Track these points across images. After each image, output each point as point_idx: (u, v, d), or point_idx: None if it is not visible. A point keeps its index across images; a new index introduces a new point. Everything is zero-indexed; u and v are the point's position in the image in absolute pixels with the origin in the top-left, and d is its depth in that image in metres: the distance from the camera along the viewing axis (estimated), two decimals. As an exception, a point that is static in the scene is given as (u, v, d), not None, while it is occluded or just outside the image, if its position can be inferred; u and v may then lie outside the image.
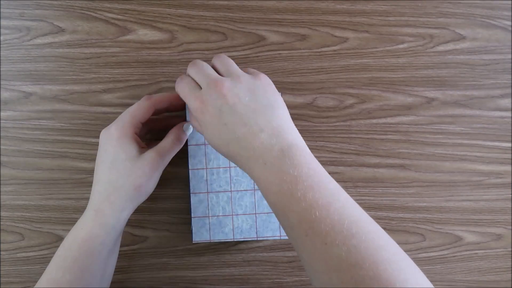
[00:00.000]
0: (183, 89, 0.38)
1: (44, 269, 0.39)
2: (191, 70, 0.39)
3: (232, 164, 0.45)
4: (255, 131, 0.34)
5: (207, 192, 0.45)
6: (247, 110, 0.35)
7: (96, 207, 0.39)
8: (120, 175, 0.39)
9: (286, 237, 0.44)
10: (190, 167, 0.45)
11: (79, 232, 0.38)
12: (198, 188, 0.45)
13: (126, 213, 0.40)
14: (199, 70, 0.38)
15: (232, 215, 0.45)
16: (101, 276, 0.39)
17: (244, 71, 0.38)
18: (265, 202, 0.45)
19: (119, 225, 0.40)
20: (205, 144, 0.45)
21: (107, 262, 0.40)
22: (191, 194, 0.46)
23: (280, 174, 0.33)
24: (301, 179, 0.32)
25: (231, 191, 0.45)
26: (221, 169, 0.45)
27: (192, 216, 0.45)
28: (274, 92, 0.37)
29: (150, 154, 0.40)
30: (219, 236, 0.45)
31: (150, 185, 0.41)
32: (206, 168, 0.45)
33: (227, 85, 0.36)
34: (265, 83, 0.37)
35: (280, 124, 0.35)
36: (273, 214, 0.45)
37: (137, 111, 0.41)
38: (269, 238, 0.45)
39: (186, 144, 0.45)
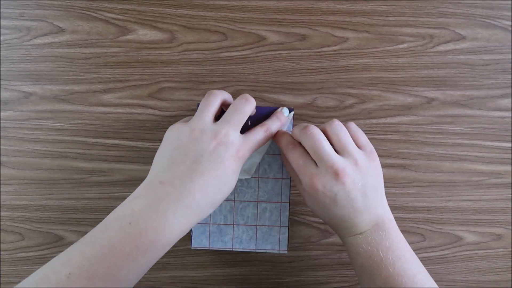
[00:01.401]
0: (296, 161, 0.39)
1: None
2: (305, 139, 0.38)
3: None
4: (360, 210, 0.38)
5: None
6: (358, 194, 0.37)
7: (184, 223, 0.35)
8: (219, 196, 0.38)
9: (285, 252, 0.45)
10: None
11: (162, 237, 0.34)
12: None
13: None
14: (315, 143, 0.38)
15: (233, 224, 0.45)
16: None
17: (356, 142, 0.39)
18: (267, 214, 0.45)
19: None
20: None
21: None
22: None
23: (374, 243, 0.37)
24: (392, 249, 0.37)
25: (234, 200, 0.45)
26: None
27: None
28: (380, 173, 0.40)
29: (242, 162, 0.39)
30: (218, 244, 0.45)
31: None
32: None
33: (347, 173, 0.37)
34: (377, 165, 0.40)
35: (381, 204, 0.39)
36: (274, 228, 0.45)
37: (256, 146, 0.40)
38: (268, 251, 0.45)
39: None
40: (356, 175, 0.37)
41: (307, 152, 0.39)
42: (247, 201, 0.45)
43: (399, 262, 0.37)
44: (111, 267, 0.32)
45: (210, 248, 0.45)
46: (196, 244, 0.45)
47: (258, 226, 0.45)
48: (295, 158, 0.39)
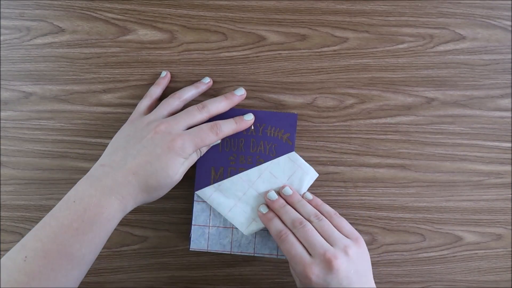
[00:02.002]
0: (288, 251, 0.40)
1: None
2: (297, 232, 0.41)
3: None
4: None
5: None
6: (349, 281, 0.38)
7: (124, 194, 0.38)
8: (161, 190, 0.41)
9: (284, 257, 0.45)
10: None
11: (102, 211, 0.37)
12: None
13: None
14: (307, 234, 0.40)
15: (233, 228, 0.45)
16: (98, 252, 0.39)
17: (342, 231, 0.42)
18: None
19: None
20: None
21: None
22: (194, 202, 0.46)
23: None
24: None
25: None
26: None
27: (193, 224, 0.45)
28: (369, 259, 0.42)
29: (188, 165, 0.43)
30: (216, 247, 0.45)
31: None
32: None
33: (340, 263, 0.38)
34: (365, 250, 0.41)
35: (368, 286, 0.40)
36: None
37: (209, 142, 0.42)
38: (266, 256, 0.45)
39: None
40: (348, 263, 0.39)
41: (298, 241, 0.41)
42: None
43: None
44: (64, 243, 0.35)
45: (209, 251, 0.45)
46: (194, 246, 0.45)
47: (257, 231, 0.45)
48: (287, 248, 0.40)
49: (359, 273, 0.39)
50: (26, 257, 0.35)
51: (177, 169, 0.40)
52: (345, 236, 0.41)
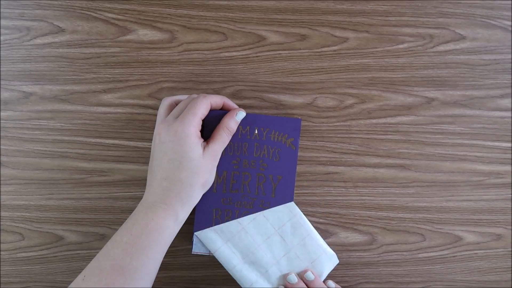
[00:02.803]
0: None
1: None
2: None
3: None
4: None
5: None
6: None
7: (167, 202, 0.40)
8: (190, 174, 0.40)
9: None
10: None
11: (149, 222, 0.39)
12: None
13: (191, 208, 0.41)
14: None
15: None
16: (157, 266, 0.40)
17: None
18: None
19: (184, 219, 0.41)
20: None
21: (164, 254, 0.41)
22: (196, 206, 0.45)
23: None
24: None
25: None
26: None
27: (195, 230, 0.45)
28: None
29: (211, 150, 0.42)
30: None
31: (212, 179, 0.43)
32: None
33: None
34: None
35: None
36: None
37: (200, 109, 0.41)
38: None
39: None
40: None
41: None
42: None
43: None
44: (115, 257, 0.37)
45: (211, 254, 0.45)
46: (196, 249, 0.45)
47: None
48: None
49: None
50: (84, 276, 0.37)
51: (194, 146, 0.40)
52: None
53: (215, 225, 0.45)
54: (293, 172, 0.45)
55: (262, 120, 0.45)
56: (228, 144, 0.45)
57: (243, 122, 0.45)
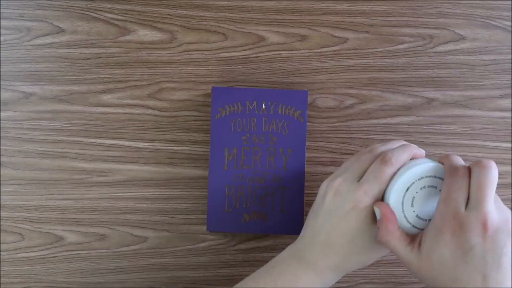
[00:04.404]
0: (451, 191, 0.33)
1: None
2: (479, 170, 0.34)
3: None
4: (487, 281, 0.32)
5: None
6: (496, 261, 0.32)
7: (321, 269, 0.38)
8: (357, 253, 0.37)
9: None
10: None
11: (298, 280, 0.37)
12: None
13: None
14: (487, 180, 0.34)
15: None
16: None
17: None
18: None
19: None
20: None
21: None
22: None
23: None
24: None
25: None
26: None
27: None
28: None
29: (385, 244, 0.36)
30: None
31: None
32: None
33: (497, 229, 0.32)
34: None
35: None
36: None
37: (385, 182, 0.36)
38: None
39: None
40: (504, 236, 0.31)
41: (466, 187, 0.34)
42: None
43: None
44: None
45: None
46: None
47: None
48: (454, 188, 0.33)
49: (508, 256, 0.32)
50: None
51: (367, 224, 0.36)
52: None
53: (228, 202, 0.45)
54: (303, 144, 0.46)
55: (268, 94, 0.45)
56: (236, 121, 0.45)
57: (250, 97, 0.45)
